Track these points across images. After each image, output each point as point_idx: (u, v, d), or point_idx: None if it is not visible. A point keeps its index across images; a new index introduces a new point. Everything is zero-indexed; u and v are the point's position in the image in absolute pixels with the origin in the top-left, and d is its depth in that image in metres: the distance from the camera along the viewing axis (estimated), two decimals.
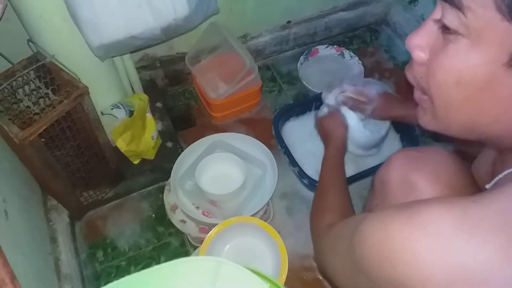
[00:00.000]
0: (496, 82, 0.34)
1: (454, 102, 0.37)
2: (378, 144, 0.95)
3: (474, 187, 0.55)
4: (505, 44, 0.32)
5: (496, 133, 0.39)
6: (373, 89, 0.88)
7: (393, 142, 1.02)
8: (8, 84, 0.70)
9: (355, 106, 0.88)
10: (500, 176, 0.41)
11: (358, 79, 0.93)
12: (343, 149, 0.83)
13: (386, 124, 0.92)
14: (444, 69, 0.36)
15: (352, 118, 0.87)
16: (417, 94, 0.43)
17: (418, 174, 0.54)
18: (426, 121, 0.43)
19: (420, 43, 0.38)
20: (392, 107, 0.85)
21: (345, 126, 0.86)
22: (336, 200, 0.69)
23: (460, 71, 0.35)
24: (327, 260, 0.54)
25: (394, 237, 0.35)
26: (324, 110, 0.91)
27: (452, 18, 0.34)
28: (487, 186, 0.43)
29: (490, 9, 0.31)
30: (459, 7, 0.33)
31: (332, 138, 0.83)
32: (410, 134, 0.97)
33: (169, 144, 1.01)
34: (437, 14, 0.36)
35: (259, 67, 1.07)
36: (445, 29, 0.35)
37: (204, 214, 0.84)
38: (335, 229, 0.53)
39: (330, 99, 0.91)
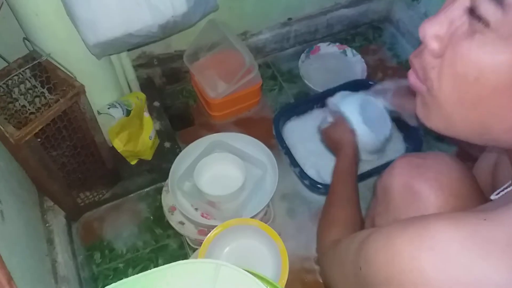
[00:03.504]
0: None
1: (468, 100, 0.34)
2: (383, 147, 0.93)
3: (479, 194, 0.54)
4: None
5: (509, 142, 0.35)
6: (405, 82, 0.82)
7: (397, 142, 1.00)
8: (3, 83, 0.70)
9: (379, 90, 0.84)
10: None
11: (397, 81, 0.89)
12: (356, 157, 0.79)
13: (388, 125, 0.90)
14: (466, 61, 0.32)
15: (357, 122, 0.84)
16: (412, 79, 0.39)
17: (421, 181, 0.53)
18: (426, 117, 0.39)
19: (439, 33, 0.34)
20: (410, 100, 0.77)
21: (353, 132, 0.83)
22: (345, 215, 0.67)
23: (483, 67, 0.31)
24: (332, 276, 0.54)
25: (402, 257, 0.34)
26: (327, 120, 0.88)
27: (487, 9, 0.30)
28: (492, 197, 0.41)
29: None
30: (500, 2, 0.29)
31: (343, 146, 0.80)
32: (414, 134, 0.96)
33: (167, 144, 1.00)
34: (464, 1, 0.33)
35: (259, 65, 1.06)
36: (475, 16, 0.31)
37: (203, 216, 0.83)
38: (341, 246, 0.52)
39: (335, 100, 0.88)
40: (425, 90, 0.38)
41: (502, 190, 0.40)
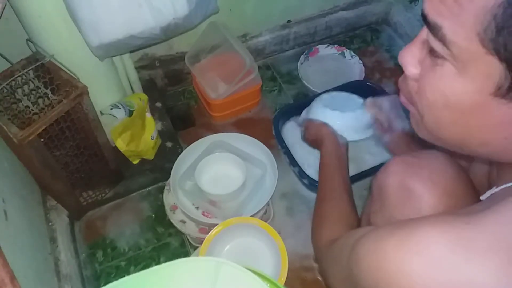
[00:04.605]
0: (483, 109, 0.34)
1: (443, 123, 0.37)
2: (366, 121, 0.91)
3: (473, 193, 0.54)
4: (491, 75, 0.31)
5: (485, 154, 0.39)
6: (400, 124, 0.84)
7: None
8: (7, 84, 0.70)
9: (380, 127, 0.85)
10: (496, 189, 0.41)
11: (391, 107, 0.89)
12: (337, 146, 0.80)
13: (358, 100, 0.93)
14: (432, 90, 0.36)
15: (323, 112, 0.88)
16: (402, 99, 0.43)
17: (415, 180, 0.53)
18: (417, 130, 0.43)
19: (411, 60, 0.38)
20: (402, 147, 0.82)
21: (323, 123, 0.85)
22: (333, 210, 0.68)
23: (447, 95, 0.35)
24: (330, 275, 0.55)
25: (388, 260, 0.35)
26: (301, 128, 0.93)
27: (437, 47, 0.33)
28: (482, 198, 0.42)
29: (474, 43, 0.31)
30: (442, 41, 0.32)
31: (322, 142, 0.82)
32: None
33: (169, 144, 1.01)
34: (424, 34, 0.36)
35: (259, 67, 1.07)
36: (432, 51, 0.35)
37: (204, 215, 0.84)
38: (336, 246, 0.53)
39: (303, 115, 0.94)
40: (414, 111, 0.41)
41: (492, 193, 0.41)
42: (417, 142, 0.83)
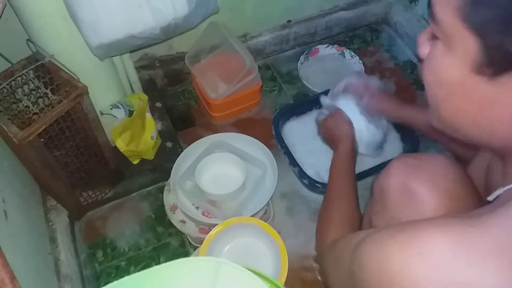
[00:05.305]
0: (466, 86, 0.36)
1: (437, 101, 0.41)
2: (381, 143, 0.93)
3: (475, 194, 0.54)
4: (469, 51, 0.34)
5: (477, 136, 0.41)
6: (375, 83, 0.88)
7: (394, 142, 1.01)
8: (7, 84, 0.70)
9: (355, 91, 0.88)
10: (505, 189, 0.41)
11: (361, 75, 0.96)
12: (353, 150, 0.79)
13: (384, 120, 0.92)
14: (428, 69, 0.39)
15: (354, 113, 0.86)
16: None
17: (416, 182, 0.53)
18: (431, 118, 0.45)
19: (423, 41, 0.41)
20: (388, 103, 0.85)
21: (350, 123, 0.84)
22: (343, 213, 0.68)
23: (438, 73, 0.38)
24: (330, 277, 0.55)
25: (391, 263, 0.35)
26: (323, 112, 0.90)
27: (433, 28, 0.37)
28: (489, 198, 0.42)
29: (456, 19, 0.34)
30: (433, 17, 0.36)
31: (339, 139, 0.81)
32: (411, 134, 0.97)
33: (169, 144, 1.01)
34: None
35: (259, 67, 1.07)
36: (432, 36, 0.39)
37: (204, 215, 0.84)
38: (337, 248, 0.54)
39: (329, 98, 0.91)
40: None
41: (496, 195, 0.41)
42: (395, 99, 0.86)
